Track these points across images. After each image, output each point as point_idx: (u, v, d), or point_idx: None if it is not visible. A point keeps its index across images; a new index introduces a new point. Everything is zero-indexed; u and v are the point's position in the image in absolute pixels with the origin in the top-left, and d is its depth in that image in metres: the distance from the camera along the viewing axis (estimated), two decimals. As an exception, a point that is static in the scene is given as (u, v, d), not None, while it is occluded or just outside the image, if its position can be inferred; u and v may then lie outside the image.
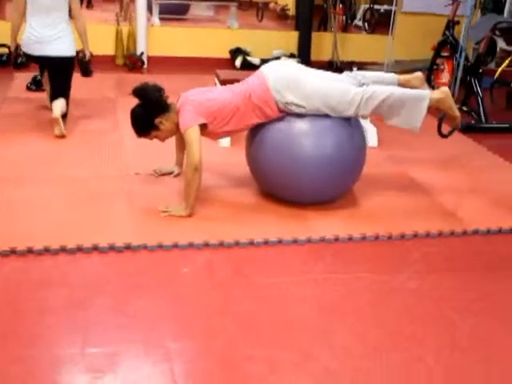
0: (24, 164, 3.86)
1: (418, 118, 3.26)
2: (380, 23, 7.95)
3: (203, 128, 3.26)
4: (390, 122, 3.33)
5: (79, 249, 2.86)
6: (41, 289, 2.57)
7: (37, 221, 3.12)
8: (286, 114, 3.26)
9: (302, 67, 3.47)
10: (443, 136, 3.95)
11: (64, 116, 4.42)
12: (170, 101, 3.35)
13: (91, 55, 4.76)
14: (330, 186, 3.39)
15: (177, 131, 3.33)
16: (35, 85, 5.47)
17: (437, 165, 4.31)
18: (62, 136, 4.33)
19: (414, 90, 3.33)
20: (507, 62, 5.15)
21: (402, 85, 3.50)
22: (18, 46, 4.56)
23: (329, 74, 3.46)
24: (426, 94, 3.29)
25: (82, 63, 4.73)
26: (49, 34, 4.41)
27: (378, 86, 3.28)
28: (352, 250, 3.06)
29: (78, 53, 4.64)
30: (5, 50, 6.36)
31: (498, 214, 3.56)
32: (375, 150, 4.45)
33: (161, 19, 8.04)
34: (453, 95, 4.84)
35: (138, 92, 3.27)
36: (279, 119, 3.28)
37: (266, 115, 3.28)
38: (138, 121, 3.32)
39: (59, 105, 4.37)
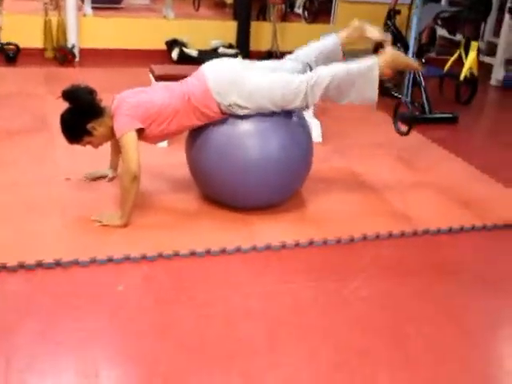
0: None
1: (372, 90, 3.08)
2: (321, 12, 7.81)
3: (140, 132, 3.03)
4: (343, 102, 3.15)
5: (3, 267, 2.60)
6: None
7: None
8: (228, 115, 3.07)
9: (243, 63, 3.24)
10: (402, 134, 3.84)
11: None
12: (103, 104, 3.09)
13: None
14: (275, 190, 3.21)
15: (112, 137, 3.08)
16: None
17: (383, 159, 4.20)
18: None
19: (360, 63, 3.11)
20: (456, 55, 5.10)
21: (347, 44, 3.33)
22: None
23: (270, 63, 3.29)
24: (373, 62, 3.09)
25: None
26: None
27: (322, 69, 3.09)
28: (300, 257, 2.90)
29: None
30: None
31: (448, 210, 3.47)
32: (320, 145, 4.30)
33: (93, 8, 7.71)
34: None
35: (68, 95, 3.00)
36: (221, 120, 3.08)
37: (207, 117, 3.07)
38: (69, 126, 3.05)
39: None
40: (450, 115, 5.27)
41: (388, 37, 3.37)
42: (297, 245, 2.98)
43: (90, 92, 3.05)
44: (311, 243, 3.00)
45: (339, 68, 3.09)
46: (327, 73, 3.06)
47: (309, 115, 4.45)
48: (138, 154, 2.93)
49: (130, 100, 3.05)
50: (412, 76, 4.94)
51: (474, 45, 5.51)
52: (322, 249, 2.99)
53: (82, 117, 3.02)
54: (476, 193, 3.75)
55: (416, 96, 5.15)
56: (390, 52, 3.17)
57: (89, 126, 3.02)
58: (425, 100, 5.17)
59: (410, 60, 3.27)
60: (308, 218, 3.27)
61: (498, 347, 2.44)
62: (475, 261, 3.03)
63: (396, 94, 4.99)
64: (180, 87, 3.11)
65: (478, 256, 3.08)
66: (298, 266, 2.83)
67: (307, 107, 3.16)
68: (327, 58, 3.24)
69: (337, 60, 3.27)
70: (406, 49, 5.46)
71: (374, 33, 3.32)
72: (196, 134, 3.17)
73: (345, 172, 3.92)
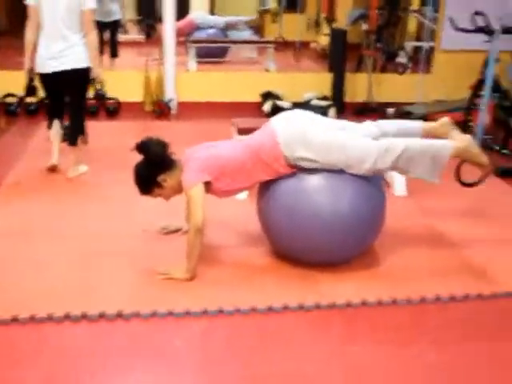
0: (32, 219, 3.75)
1: (437, 170, 3.02)
2: (417, 61, 7.67)
3: (208, 186, 3.06)
4: (406, 175, 3.09)
5: (67, 316, 2.68)
6: (19, 365, 2.38)
7: (26, 284, 2.96)
8: (296, 169, 3.04)
9: (315, 117, 3.19)
10: (465, 185, 3.65)
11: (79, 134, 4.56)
12: (175, 157, 3.16)
13: (100, 76, 4.52)
14: (344, 246, 3.10)
15: (181, 190, 3.12)
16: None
17: (470, 216, 3.98)
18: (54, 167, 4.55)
19: (435, 141, 3.07)
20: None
21: (428, 133, 3.25)
22: (31, 69, 4.42)
23: (343, 122, 3.23)
24: (448, 144, 3.05)
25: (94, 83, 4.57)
26: (61, 48, 4.27)
27: (395, 139, 3.04)
28: (365, 317, 2.77)
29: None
30: (13, 100, 6.38)
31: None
32: (403, 200, 4.17)
33: (198, 62, 8.00)
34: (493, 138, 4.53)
35: (141, 147, 3.08)
36: (290, 175, 3.05)
37: (275, 172, 3.05)
38: (141, 178, 3.13)
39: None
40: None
41: (474, 144, 3.18)
42: (364, 304, 2.86)
43: (163, 145, 3.11)
44: (379, 303, 2.87)
45: (413, 141, 3.04)
46: (401, 142, 3.01)
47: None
48: (203, 208, 2.94)
49: (198, 154, 3.10)
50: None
51: None
52: (391, 309, 2.85)
53: (153, 169, 3.09)
54: None
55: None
56: (466, 139, 3.13)
57: (159, 179, 3.09)
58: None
59: (480, 154, 3.13)
60: (378, 275, 3.14)
61: None
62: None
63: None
64: (249, 141, 3.12)
65: None
66: (362, 326, 2.71)
67: (375, 173, 3.07)
68: (405, 136, 3.17)
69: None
70: (504, 98, 5.23)
71: (459, 138, 3.17)
72: (266, 187, 3.15)
73: (425, 228, 3.75)
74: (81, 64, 4.34)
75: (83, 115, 4.61)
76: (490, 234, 3.70)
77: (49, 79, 4.37)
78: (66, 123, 4.64)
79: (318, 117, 3.20)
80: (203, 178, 3.02)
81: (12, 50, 6.99)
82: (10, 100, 6.49)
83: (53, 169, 4.56)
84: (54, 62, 4.29)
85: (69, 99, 4.51)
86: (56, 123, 4.58)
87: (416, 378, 2.36)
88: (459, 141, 3.09)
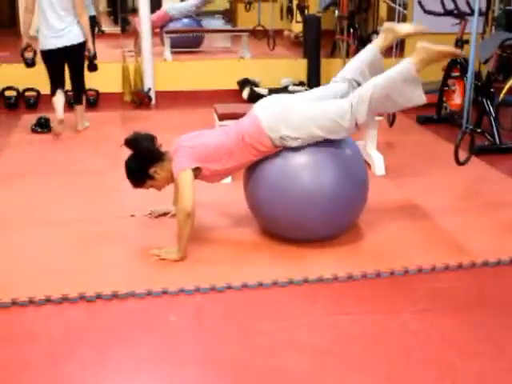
0: (21, 207, 3.84)
1: (416, 90, 3.03)
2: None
3: (197, 172, 3.17)
4: (393, 110, 3.15)
5: (65, 298, 2.77)
6: (22, 343, 2.47)
7: (24, 267, 3.06)
8: (282, 148, 3.15)
9: (293, 96, 3.35)
10: (460, 164, 3.80)
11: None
12: (163, 149, 3.26)
13: (94, 51, 5.45)
14: (330, 223, 3.24)
15: (173, 179, 3.21)
16: (39, 127, 5.47)
17: (447, 192, 4.14)
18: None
19: (396, 68, 3.08)
20: (510, 82, 4.96)
21: (383, 48, 3.36)
22: (28, 45, 5.34)
23: (317, 91, 3.37)
24: (408, 63, 3.04)
25: (88, 58, 5.41)
26: (61, 27, 5.16)
27: (359, 88, 3.12)
28: (351, 290, 2.90)
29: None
30: (12, 93, 6.42)
31: (510, 241, 3.38)
32: (382, 178, 4.31)
33: (174, 52, 8.05)
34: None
35: (130, 143, 3.19)
36: (275, 155, 3.17)
37: (261, 152, 3.17)
38: (132, 172, 3.24)
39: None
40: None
41: (420, 25, 3.27)
42: (349, 277, 2.99)
43: (151, 138, 3.23)
44: (364, 276, 3.00)
45: (377, 79, 3.09)
46: (366, 87, 3.08)
47: (372, 149, 4.48)
48: (193, 193, 3.05)
49: (186, 143, 3.20)
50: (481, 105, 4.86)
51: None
52: (375, 281, 2.98)
53: (143, 163, 3.19)
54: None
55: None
56: (421, 47, 3.06)
57: (151, 171, 3.19)
58: (495, 130, 5.07)
59: (445, 48, 3.11)
60: (363, 250, 3.28)
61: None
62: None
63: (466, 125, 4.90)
64: (234, 127, 3.24)
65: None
66: (348, 298, 2.84)
67: (358, 127, 3.14)
68: (371, 68, 3.26)
69: (381, 66, 3.30)
70: (475, 78, 5.37)
71: (405, 27, 3.35)
72: (252, 168, 3.26)
73: (405, 204, 3.89)
74: (78, 40, 5.26)
75: (83, 79, 5.56)
76: (468, 209, 3.85)
77: (53, 54, 5.24)
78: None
79: (298, 94, 3.36)
80: (192, 164, 3.12)
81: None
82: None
83: (60, 122, 5.34)
84: (55, 40, 5.19)
85: (70, 68, 5.43)
86: (59, 91, 5.41)
87: (401, 345, 2.49)
88: (416, 54, 3.05)
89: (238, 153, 3.17)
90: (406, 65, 3.06)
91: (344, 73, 3.35)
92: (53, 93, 5.42)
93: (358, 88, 3.17)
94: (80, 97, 5.55)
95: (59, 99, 5.39)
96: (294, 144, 3.12)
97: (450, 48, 3.21)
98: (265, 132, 3.10)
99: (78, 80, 5.51)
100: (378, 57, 3.35)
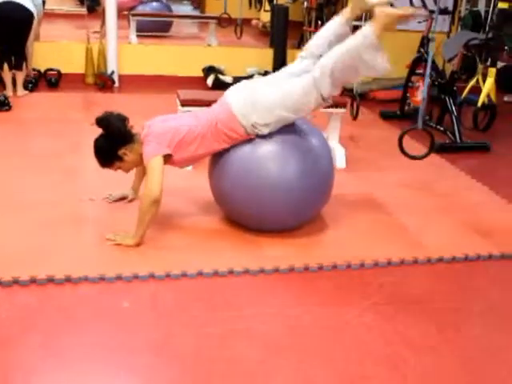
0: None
1: (379, 57, 2.96)
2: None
3: (167, 158, 3.11)
4: (358, 79, 3.09)
5: (16, 281, 2.70)
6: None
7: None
8: (254, 136, 3.12)
9: (263, 80, 3.31)
10: (411, 157, 3.82)
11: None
12: (134, 131, 3.20)
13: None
14: (292, 213, 3.23)
15: (141, 162, 3.15)
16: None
17: (406, 187, 4.17)
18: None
19: (355, 36, 3.01)
20: (473, 81, 5.03)
21: (350, 19, 3.27)
22: None
23: (283, 71, 3.29)
24: (368, 31, 2.97)
25: None
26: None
27: (320, 61, 3.05)
28: (307, 282, 2.90)
29: None
30: None
31: (466, 239, 3.43)
32: (343, 172, 4.32)
33: (140, 36, 7.96)
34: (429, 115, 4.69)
35: (101, 122, 3.11)
36: (241, 143, 3.14)
37: (233, 139, 3.13)
38: (101, 152, 3.17)
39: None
40: (482, 144, 5.20)
41: None
42: (306, 269, 2.99)
43: (122, 119, 3.16)
44: (321, 268, 3.00)
45: (337, 50, 3.02)
46: (327, 59, 3.02)
47: (334, 141, 4.49)
48: (162, 179, 3.01)
49: (158, 127, 3.14)
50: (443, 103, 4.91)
51: (492, 71, 5.40)
52: (331, 274, 2.99)
53: (113, 143, 3.13)
54: (499, 223, 3.68)
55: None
56: (379, 13, 3.00)
57: (120, 152, 3.13)
58: (456, 128, 5.13)
59: (400, 11, 3.03)
60: (321, 242, 3.28)
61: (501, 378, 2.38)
62: (489, 290, 2.97)
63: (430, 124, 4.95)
64: (207, 114, 3.19)
65: (492, 286, 3.02)
66: (304, 290, 2.84)
67: (325, 100, 3.09)
68: (339, 42, 3.14)
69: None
70: (438, 76, 5.44)
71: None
72: (218, 155, 3.23)
73: (365, 198, 3.91)
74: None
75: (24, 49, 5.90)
76: (427, 205, 3.89)
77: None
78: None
79: (268, 77, 3.35)
80: (163, 150, 3.07)
81: None
82: None
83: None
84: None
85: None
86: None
87: (354, 337, 2.50)
88: (375, 18, 2.99)
89: (211, 139, 3.13)
90: (366, 32, 2.97)
91: (312, 48, 3.28)
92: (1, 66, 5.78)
93: (319, 60, 3.10)
94: (21, 63, 5.84)
95: (8, 73, 5.76)
96: (265, 131, 3.09)
97: (406, 11, 3.11)
98: (237, 119, 3.07)
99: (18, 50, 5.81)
100: (346, 28, 3.27)
